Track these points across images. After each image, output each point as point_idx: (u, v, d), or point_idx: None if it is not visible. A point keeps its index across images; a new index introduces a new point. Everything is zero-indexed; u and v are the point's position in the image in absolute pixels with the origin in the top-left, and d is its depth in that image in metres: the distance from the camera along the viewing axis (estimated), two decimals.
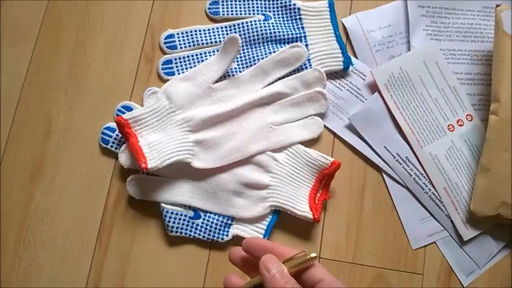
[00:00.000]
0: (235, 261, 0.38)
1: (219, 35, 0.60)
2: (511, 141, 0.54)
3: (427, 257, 0.57)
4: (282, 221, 0.56)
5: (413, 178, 0.57)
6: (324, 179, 0.56)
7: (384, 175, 0.58)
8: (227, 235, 0.55)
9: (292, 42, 0.59)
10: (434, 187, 0.57)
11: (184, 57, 0.59)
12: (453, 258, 0.57)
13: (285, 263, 0.34)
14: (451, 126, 0.58)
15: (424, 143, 0.58)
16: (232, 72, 0.58)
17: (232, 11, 0.61)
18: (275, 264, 0.34)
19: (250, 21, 0.59)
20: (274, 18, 0.60)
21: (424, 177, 0.57)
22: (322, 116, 0.58)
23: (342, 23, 0.61)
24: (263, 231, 0.55)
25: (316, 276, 0.34)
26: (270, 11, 0.61)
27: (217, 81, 0.57)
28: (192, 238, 0.55)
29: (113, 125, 0.57)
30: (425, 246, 0.57)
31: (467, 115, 0.59)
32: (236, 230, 0.55)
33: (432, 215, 0.57)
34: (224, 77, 0.58)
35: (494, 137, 0.55)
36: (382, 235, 0.57)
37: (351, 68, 0.60)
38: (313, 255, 0.34)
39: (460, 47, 0.61)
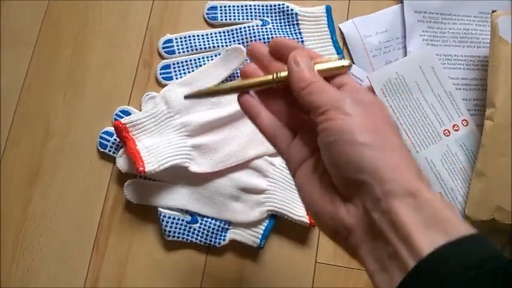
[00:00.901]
0: (254, 56, 0.35)
1: (217, 40, 0.60)
2: (506, 147, 0.54)
3: None
4: (279, 225, 0.56)
5: None
6: None
7: None
8: (224, 239, 0.55)
9: None
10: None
11: (182, 62, 0.59)
12: None
13: (316, 64, 0.31)
14: (446, 131, 0.58)
15: (420, 148, 0.58)
16: (230, 77, 0.58)
17: (230, 16, 0.61)
18: (305, 58, 0.31)
19: (248, 27, 0.60)
20: (272, 23, 0.61)
21: None
22: None
23: (339, 28, 0.62)
24: (260, 236, 0.55)
25: (343, 81, 0.32)
26: (267, 16, 0.61)
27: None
28: (189, 242, 0.55)
29: (111, 129, 0.57)
30: None
31: (463, 120, 0.59)
32: (233, 234, 0.55)
33: None
34: (222, 82, 0.58)
35: (490, 142, 0.55)
36: None
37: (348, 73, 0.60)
38: (346, 63, 0.32)
39: (456, 53, 0.61)
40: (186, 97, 0.35)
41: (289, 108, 0.34)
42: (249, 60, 0.36)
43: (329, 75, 0.31)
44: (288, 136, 0.33)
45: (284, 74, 0.32)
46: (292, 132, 0.34)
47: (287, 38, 0.34)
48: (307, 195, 0.31)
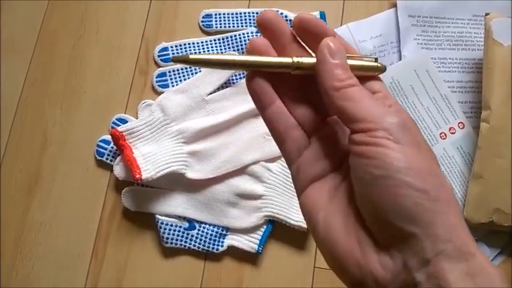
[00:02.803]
0: (266, 26, 0.27)
1: (212, 47, 0.61)
2: (502, 148, 0.54)
3: None
4: (277, 230, 0.56)
5: None
6: None
7: None
8: (222, 246, 0.55)
9: None
10: None
11: (178, 70, 0.60)
12: None
13: (349, 59, 0.26)
14: (443, 134, 0.59)
15: None
16: (225, 83, 0.58)
17: (225, 23, 0.62)
18: (342, 52, 0.25)
19: (243, 34, 0.60)
20: None
21: None
22: None
23: None
24: (258, 241, 0.55)
25: (374, 88, 0.26)
26: None
27: (210, 93, 0.58)
28: (187, 249, 0.55)
29: (108, 137, 0.58)
30: None
31: (459, 123, 0.59)
32: (231, 240, 0.56)
33: None
34: (217, 88, 0.58)
35: (486, 144, 0.55)
36: None
37: None
38: (381, 65, 0.27)
39: (450, 56, 0.61)
40: (174, 59, 0.26)
41: (304, 104, 0.27)
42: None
43: (359, 76, 0.26)
44: (302, 140, 0.27)
45: (308, 60, 0.26)
46: (307, 134, 0.27)
47: (316, 17, 0.26)
48: (323, 227, 0.25)
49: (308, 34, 0.26)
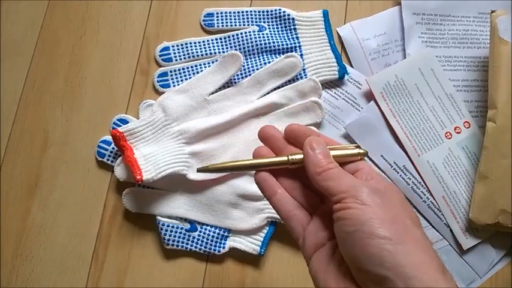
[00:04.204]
0: (266, 138, 0.36)
1: (213, 46, 0.60)
2: (508, 148, 0.53)
3: None
4: (279, 232, 0.55)
5: (411, 187, 0.57)
6: None
7: None
8: (224, 247, 0.55)
9: (287, 52, 0.59)
10: (432, 196, 0.56)
11: (179, 70, 0.59)
12: (453, 268, 0.56)
13: (331, 150, 0.33)
14: (448, 133, 0.58)
15: (422, 151, 0.57)
16: (227, 83, 0.58)
17: (226, 22, 0.61)
18: (321, 145, 0.32)
19: (245, 32, 0.59)
20: (269, 28, 0.60)
21: (422, 185, 0.57)
22: (318, 125, 0.58)
23: (337, 32, 0.61)
24: (260, 243, 0.54)
25: (358, 166, 0.33)
26: (264, 22, 0.61)
27: (212, 93, 0.57)
28: (189, 251, 0.55)
29: (109, 138, 0.57)
30: None
31: (464, 122, 0.58)
32: (233, 242, 0.55)
33: (431, 224, 0.56)
34: (219, 88, 0.57)
35: (492, 144, 0.54)
36: None
37: (346, 77, 0.59)
38: (362, 151, 0.33)
39: (456, 54, 0.60)
40: (199, 170, 0.36)
41: (304, 189, 0.34)
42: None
43: (344, 162, 0.33)
44: (304, 218, 0.33)
45: (299, 156, 0.33)
46: (309, 213, 0.34)
47: (302, 125, 0.35)
48: (323, 283, 0.30)
49: (298, 138, 0.34)
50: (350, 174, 0.31)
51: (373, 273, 0.27)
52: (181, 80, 0.59)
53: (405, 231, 0.28)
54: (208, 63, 0.59)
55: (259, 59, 0.59)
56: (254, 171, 0.35)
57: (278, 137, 0.35)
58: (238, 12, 0.61)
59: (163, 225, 0.54)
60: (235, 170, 0.36)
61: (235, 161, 0.35)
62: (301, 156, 0.33)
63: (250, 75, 0.58)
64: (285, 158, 0.33)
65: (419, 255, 0.27)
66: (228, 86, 0.58)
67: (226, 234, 0.55)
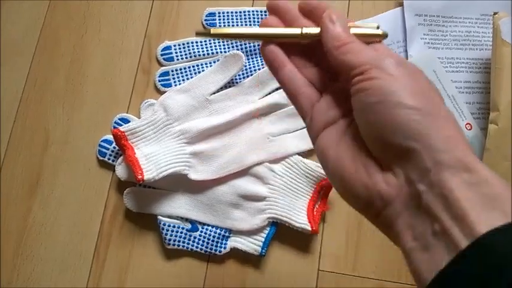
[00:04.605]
0: (275, 8, 0.32)
1: (215, 46, 0.60)
2: (510, 151, 0.53)
3: None
4: (280, 233, 0.55)
5: None
6: (322, 190, 0.55)
7: None
8: (225, 247, 0.55)
9: None
10: None
11: (181, 69, 0.59)
12: None
13: (351, 27, 0.30)
14: None
15: None
16: (229, 83, 0.58)
17: (229, 22, 0.61)
18: (341, 18, 0.29)
19: None
20: None
21: None
22: None
23: None
24: (261, 244, 0.54)
25: (376, 47, 0.29)
26: None
27: (214, 93, 0.57)
28: (190, 251, 0.55)
29: (110, 137, 0.57)
30: None
31: (466, 124, 0.58)
32: (234, 242, 0.55)
33: None
34: (221, 88, 0.57)
35: (494, 146, 0.54)
36: (382, 246, 0.56)
37: None
38: (382, 31, 0.30)
39: (458, 55, 0.60)
40: (198, 33, 0.31)
41: (315, 68, 0.31)
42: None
43: (363, 41, 0.30)
44: (313, 95, 0.31)
45: (314, 30, 0.30)
46: (319, 92, 0.31)
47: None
48: (333, 160, 0.28)
49: (313, 13, 0.31)
50: (371, 48, 0.29)
51: (398, 146, 0.25)
52: (183, 80, 0.59)
53: (434, 105, 0.25)
54: (210, 63, 0.59)
55: (261, 59, 0.59)
56: (261, 47, 0.32)
57: (290, 9, 0.32)
58: (240, 12, 0.61)
59: (164, 225, 0.54)
60: (240, 38, 0.33)
61: (242, 29, 0.32)
62: (316, 30, 0.30)
63: (252, 75, 0.58)
64: (298, 31, 0.30)
65: (449, 128, 0.25)
66: (230, 86, 0.58)
67: (227, 234, 0.55)
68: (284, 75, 0.31)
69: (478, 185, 0.23)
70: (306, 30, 0.30)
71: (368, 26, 0.30)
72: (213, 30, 0.31)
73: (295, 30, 0.30)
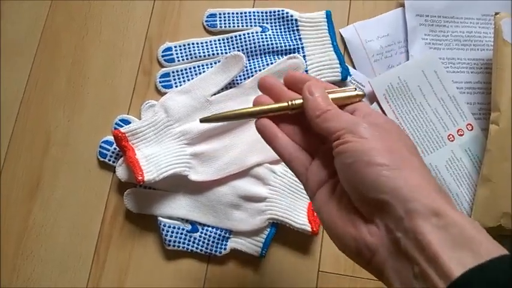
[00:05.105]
0: (266, 87, 0.37)
1: (216, 47, 0.60)
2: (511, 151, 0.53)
3: None
4: (280, 234, 0.55)
5: None
6: None
7: None
8: (225, 248, 0.54)
9: (290, 53, 0.59)
10: None
11: (182, 70, 0.59)
12: None
13: (330, 93, 0.34)
14: (451, 136, 0.57)
15: (424, 154, 0.57)
16: (229, 84, 0.58)
17: (229, 23, 0.61)
18: (320, 89, 0.33)
19: (248, 33, 0.59)
20: (272, 29, 0.60)
21: None
22: None
23: (340, 33, 0.61)
24: (261, 244, 0.54)
25: (356, 107, 0.33)
26: (267, 23, 0.60)
27: (214, 94, 0.57)
28: (190, 252, 0.55)
29: (111, 138, 0.57)
30: None
31: (467, 124, 0.58)
32: (234, 243, 0.55)
33: None
34: (221, 89, 0.57)
35: (495, 147, 0.54)
36: None
37: (349, 78, 0.59)
38: (360, 92, 0.34)
39: (459, 56, 0.60)
40: (202, 121, 0.37)
41: (305, 133, 0.35)
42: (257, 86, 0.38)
43: (343, 104, 0.34)
44: (306, 159, 0.34)
45: (299, 101, 0.34)
46: (310, 155, 0.35)
47: (301, 72, 0.39)
48: (327, 217, 0.32)
49: (297, 84, 0.35)
50: (348, 114, 0.33)
51: (374, 199, 0.28)
52: (184, 81, 0.59)
53: (402, 159, 0.29)
54: (211, 64, 0.59)
55: (261, 60, 0.59)
56: (256, 122, 0.36)
57: (277, 85, 0.36)
58: (241, 13, 0.61)
59: (164, 226, 0.54)
60: (237, 119, 0.37)
61: (236, 109, 0.36)
62: (300, 101, 0.34)
63: (252, 76, 0.58)
64: (285, 104, 0.34)
65: (415, 178, 0.28)
66: (231, 87, 0.58)
67: (227, 235, 0.55)
68: (277, 145, 0.35)
69: (447, 228, 0.25)
70: (292, 102, 0.34)
71: (347, 90, 0.34)
72: (212, 116, 0.37)
73: (283, 104, 0.35)
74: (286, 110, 0.35)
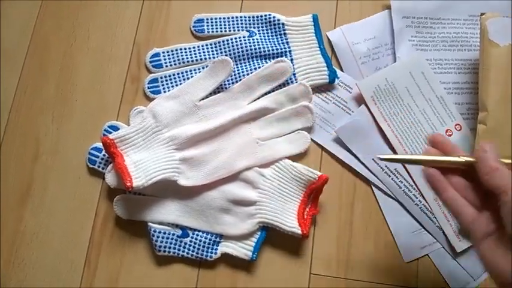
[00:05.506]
0: (435, 142, 0.43)
1: (204, 52, 0.60)
2: (499, 150, 0.53)
3: (420, 270, 0.56)
4: (271, 237, 0.55)
5: (403, 190, 0.57)
6: (312, 193, 0.55)
7: (374, 188, 0.57)
8: (216, 253, 0.54)
9: (277, 57, 0.59)
10: (425, 199, 0.56)
11: (170, 76, 0.59)
12: (447, 271, 0.56)
13: (502, 159, 0.39)
14: None
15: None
16: (217, 89, 0.58)
17: (217, 28, 0.61)
18: (492, 149, 0.39)
19: (235, 38, 0.60)
20: (259, 34, 0.60)
21: (414, 189, 0.57)
22: (309, 130, 0.58)
23: (327, 37, 0.61)
24: (252, 248, 0.54)
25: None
26: (254, 27, 0.61)
27: (203, 99, 0.57)
28: (181, 257, 0.55)
29: (100, 145, 0.57)
30: (418, 259, 0.56)
31: (456, 124, 0.58)
32: (225, 247, 0.55)
33: (424, 227, 0.56)
34: (210, 94, 0.57)
35: None
36: (373, 249, 0.56)
37: (336, 81, 0.59)
38: None
39: (446, 57, 0.60)
40: (382, 159, 0.42)
41: (469, 186, 0.41)
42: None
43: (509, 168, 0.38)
44: (472, 213, 0.40)
45: (471, 158, 0.40)
46: (476, 208, 0.40)
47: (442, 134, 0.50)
48: (493, 263, 0.37)
49: (438, 145, 0.43)
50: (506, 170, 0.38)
51: None
52: (172, 86, 0.59)
53: None
54: (199, 69, 0.59)
55: (249, 65, 0.59)
56: (424, 170, 0.42)
57: (447, 143, 0.42)
58: (228, 18, 0.61)
59: (154, 231, 0.54)
60: (413, 163, 0.47)
61: (414, 155, 0.45)
62: (472, 158, 0.40)
63: (240, 80, 0.58)
64: (460, 160, 0.40)
65: None
66: (219, 92, 0.58)
67: (218, 239, 0.55)
68: (447, 197, 0.41)
69: None
70: (465, 158, 0.40)
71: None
72: (388, 157, 0.43)
73: (459, 159, 0.40)
74: (458, 164, 0.40)
